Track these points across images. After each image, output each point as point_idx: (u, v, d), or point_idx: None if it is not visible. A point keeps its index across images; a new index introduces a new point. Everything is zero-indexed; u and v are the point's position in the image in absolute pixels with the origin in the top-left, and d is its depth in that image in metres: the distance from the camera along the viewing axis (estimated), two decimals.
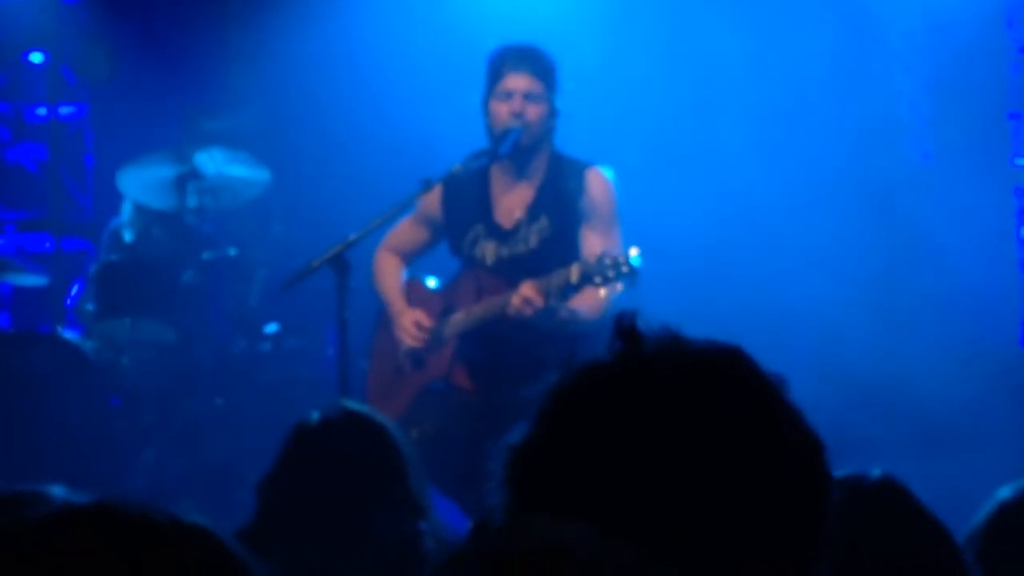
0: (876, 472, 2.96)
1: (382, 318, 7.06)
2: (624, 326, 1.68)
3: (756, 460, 1.62)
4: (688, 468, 1.60)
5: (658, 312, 1.71)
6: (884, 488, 2.94)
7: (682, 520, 1.58)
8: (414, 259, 7.09)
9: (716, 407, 1.63)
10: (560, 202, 6.71)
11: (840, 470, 2.96)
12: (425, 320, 6.83)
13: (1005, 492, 3.24)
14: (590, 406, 1.65)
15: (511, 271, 6.62)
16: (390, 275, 7.02)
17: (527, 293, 6.36)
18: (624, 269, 6.15)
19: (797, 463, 1.65)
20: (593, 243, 6.58)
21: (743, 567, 1.60)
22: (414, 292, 7.00)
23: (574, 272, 6.26)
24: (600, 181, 6.71)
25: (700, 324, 1.76)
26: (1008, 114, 8.58)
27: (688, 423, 1.61)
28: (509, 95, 6.64)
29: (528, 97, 6.65)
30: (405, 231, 7.02)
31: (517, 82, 6.65)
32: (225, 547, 1.40)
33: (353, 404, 3.88)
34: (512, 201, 6.78)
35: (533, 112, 6.65)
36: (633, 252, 6.19)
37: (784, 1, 8.68)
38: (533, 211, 6.74)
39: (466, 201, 6.83)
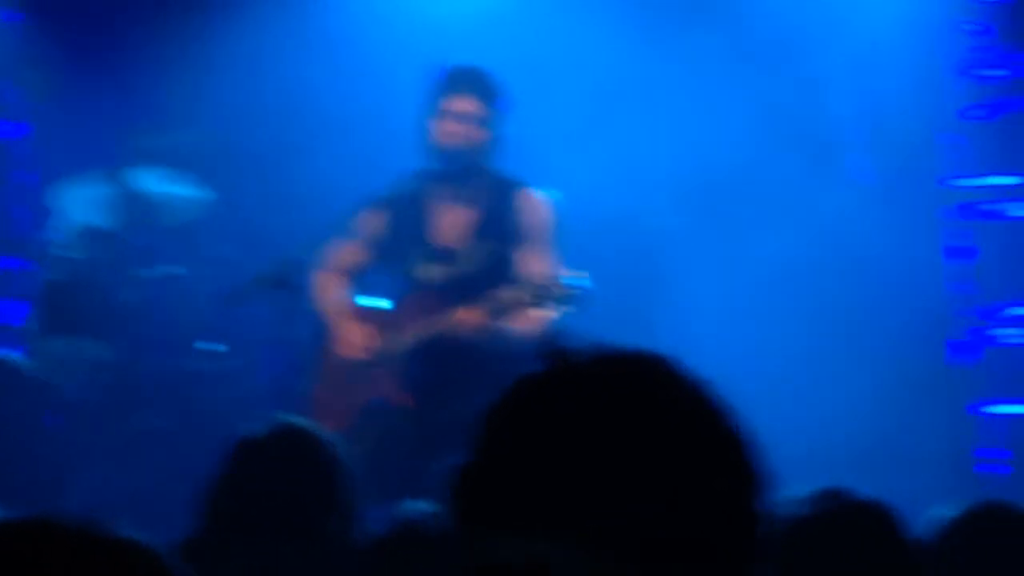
0: (862, 494, 2.99)
1: (324, 338, 7.05)
2: (550, 344, 1.74)
3: (681, 457, 1.65)
4: (617, 468, 1.63)
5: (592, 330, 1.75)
6: (871, 510, 2.96)
7: (615, 522, 1.61)
8: (356, 279, 7.07)
9: (639, 407, 1.66)
10: (500, 224, 6.72)
11: (773, 488, 3.00)
12: (369, 334, 6.82)
13: (944, 510, 3.26)
14: (522, 418, 1.69)
15: (453, 292, 6.62)
16: (331, 293, 7.00)
17: (468, 316, 6.38)
18: (567, 292, 6.18)
19: (723, 458, 1.68)
20: (530, 264, 6.60)
21: (678, 567, 1.63)
22: (355, 314, 6.98)
23: (516, 294, 6.28)
24: (534, 202, 6.74)
25: (629, 338, 1.80)
26: (943, 136, 8.66)
27: (613, 424, 1.65)
28: (451, 115, 6.64)
29: (470, 119, 6.65)
30: (346, 252, 7.00)
31: (460, 104, 6.66)
32: (161, 561, 1.41)
33: (294, 418, 3.89)
34: (453, 222, 6.78)
35: (475, 135, 6.66)
36: (581, 275, 6.22)
37: (719, 19, 8.73)
38: (477, 234, 6.75)
39: (407, 222, 6.83)
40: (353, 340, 6.82)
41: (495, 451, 1.69)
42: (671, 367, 1.72)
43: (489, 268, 6.67)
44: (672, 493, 1.64)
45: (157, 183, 8.50)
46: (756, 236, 8.55)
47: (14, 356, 8.32)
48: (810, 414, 8.26)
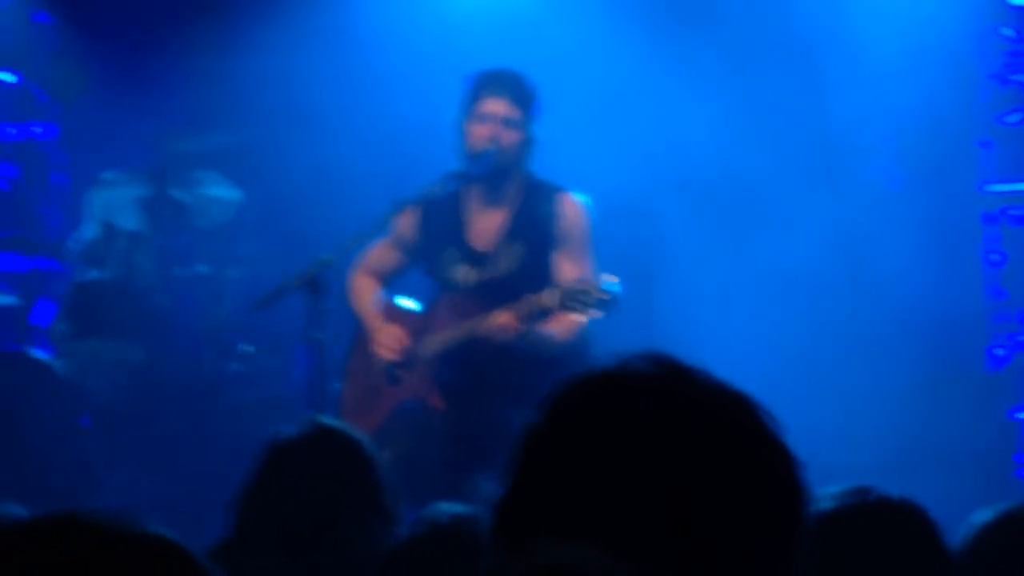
0: (893, 493, 2.96)
1: (357, 338, 7.04)
2: (585, 351, 1.71)
3: (732, 475, 1.63)
4: (661, 478, 1.61)
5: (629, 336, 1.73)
6: (901, 508, 2.94)
7: (664, 535, 1.59)
8: (390, 281, 7.07)
9: (681, 415, 1.64)
10: (534, 228, 6.71)
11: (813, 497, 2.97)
12: (402, 335, 6.81)
13: (984, 515, 3.23)
14: (565, 428, 1.66)
15: (486, 294, 6.61)
16: (366, 295, 7.00)
17: (503, 320, 6.36)
18: (601, 296, 6.15)
19: (768, 469, 1.66)
20: (566, 269, 6.59)
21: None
22: (390, 314, 6.98)
23: (550, 298, 6.26)
24: (572, 206, 6.72)
25: (661, 343, 1.78)
26: (979, 142, 8.61)
27: (657, 447, 1.62)
28: (486, 118, 6.64)
29: (505, 123, 6.64)
30: (381, 253, 7.00)
31: (495, 106, 6.65)
32: (190, 558, 1.39)
33: (327, 419, 3.86)
34: (487, 225, 6.77)
35: (509, 137, 6.64)
36: (611, 279, 6.19)
37: (749, 27, 8.69)
38: (508, 236, 6.73)
39: (441, 224, 6.83)
40: (386, 341, 6.82)
41: (537, 464, 1.67)
42: (710, 376, 1.70)
43: (521, 271, 6.65)
44: (714, 503, 1.61)
45: (190, 185, 8.49)
46: (788, 243, 8.51)
47: (46, 357, 8.33)
48: (847, 420, 8.22)
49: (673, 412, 1.64)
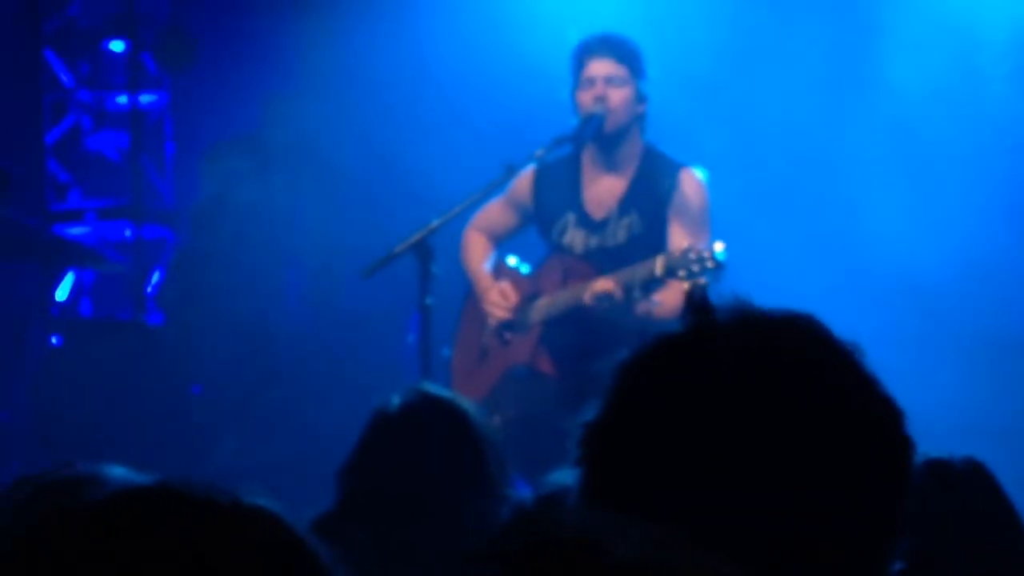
0: (960, 458, 2.93)
1: (467, 304, 7.02)
2: (695, 300, 1.61)
3: (836, 428, 1.55)
4: (764, 440, 1.53)
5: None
6: (972, 472, 2.91)
7: (758, 496, 1.51)
8: (502, 241, 7.04)
9: (790, 375, 1.56)
10: (651, 199, 6.64)
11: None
12: (512, 293, 6.78)
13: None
14: (661, 379, 1.59)
15: (599, 261, 6.58)
16: (477, 253, 6.97)
17: (604, 286, 6.31)
18: (709, 264, 6.08)
19: (877, 429, 1.57)
20: (680, 238, 6.50)
21: (822, 546, 1.51)
22: (501, 275, 6.95)
23: (658, 264, 6.20)
24: (694, 183, 6.64)
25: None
26: None
27: (762, 393, 1.54)
28: (591, 82, 6.60)
29: (610, 81, 6.60)
30: (495, 213, 6.97)
31: (598, 67, 6.61)
32: (290, 529, 1.37)
33: (433, 388, 3.82)
34: (603, 191, 6.72)
35: (616, 96, 6.59)
36: (718, 247, 6.12)
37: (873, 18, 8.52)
38: (623, 205, 6.68)
39: (557, 188, 6.79)
40: (497, 299, 6.79)
41: (630, 413, 1.59)
42: (822, 330, 1.61)
43: (635, 241, 6.59)
44: (818, 470, 1.53)
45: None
46: (885, 239, 8.36)
47: (157, 325, 8.39)
48: (935, 415, 8.06)
49: (759, 361, 1.56)
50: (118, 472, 2.31)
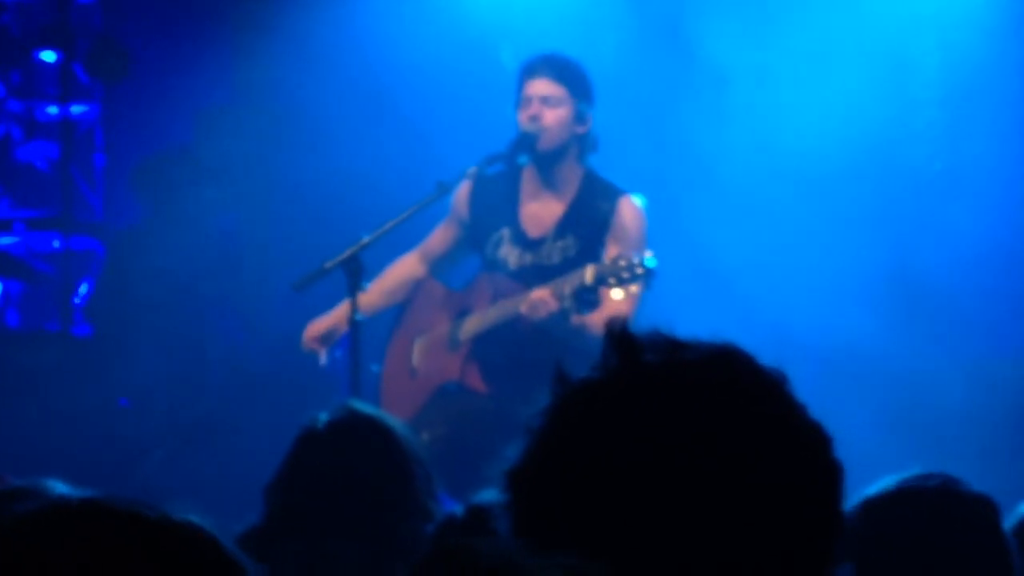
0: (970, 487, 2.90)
1: (398, 321, 7.00)
2: (615, 334, 1.62)
3: (764, 461, 1.56)
4: (693, 477, 1.53)
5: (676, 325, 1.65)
6: (980, 507, 2.87)
7: (693, 535, 1.52)
8: (444, 265, 6.99)
9: (717, 412, 1.57)
10: (589, 224, 6.65)
11: (864, 482, 2.90)
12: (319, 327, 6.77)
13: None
14: (588, 425, 1.59)
15: (531, 280, 6.56)
16: (386, 272, 6.91)
17: (540, 295, 6.32)
18: (638, 271, 6.10)
19: (806, 458, 1.58)
20: (612, 253, 6.52)
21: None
22: (432, 292, 6.94)
23: (588, 273, 6.23)
24: (633, 209, 6.65)
25: (708, 331, 1.70)
26: None
27: (690, 435, 1.55)
28: (528, 101, 6.62)
29: (545, 101, 6.60)
30: (436, 233, 6.97)
31: (535, 87, 6.62)
32: (216, 544, 1.37)
33: (361, 406, 3.83)
34: (541, 211, 6.73)
35: (550, 116, 6.59)
36: (647, 254, 6.15)
37: (798, 10, 8.57)
38: (560, 228, 6.68)
39: (494, 201, 6.78)
40: (319, 328, 6.78)
41: (555, 458, 1.60)
42: (746, 363, 1.62)
43: (570, 264, 6.56)
44: (750, 504, 1.55)
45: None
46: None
47: (85, 336, 8.34)
48: (897, 409, 8.13)
49: (684, 403, 1.57)
50: (53, 486, 2.31)
